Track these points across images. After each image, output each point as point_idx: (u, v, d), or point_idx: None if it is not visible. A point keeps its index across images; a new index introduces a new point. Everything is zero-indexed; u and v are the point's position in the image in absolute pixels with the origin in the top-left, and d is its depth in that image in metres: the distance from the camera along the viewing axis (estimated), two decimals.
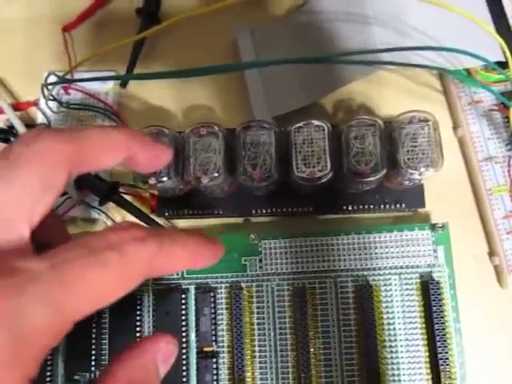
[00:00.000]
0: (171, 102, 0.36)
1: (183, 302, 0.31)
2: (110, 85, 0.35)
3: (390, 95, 0.35)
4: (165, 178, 0.28)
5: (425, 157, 0.27)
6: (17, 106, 0.36)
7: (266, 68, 0.32)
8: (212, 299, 0.30)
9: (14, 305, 0.15)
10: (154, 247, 0.18)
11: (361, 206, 0.31)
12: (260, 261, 0.31)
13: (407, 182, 0.29)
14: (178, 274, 0.31)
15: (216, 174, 0.27)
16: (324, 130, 0.27)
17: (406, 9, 0.31)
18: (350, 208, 0.31)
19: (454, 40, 0.31)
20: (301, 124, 0.27)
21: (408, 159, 0.27)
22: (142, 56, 0.36)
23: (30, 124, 0.35)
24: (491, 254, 0.32)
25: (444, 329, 0.29)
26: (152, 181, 0.28)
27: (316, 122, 0.27)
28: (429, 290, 0.30)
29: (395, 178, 0.28)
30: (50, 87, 0.32)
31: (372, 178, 0.27)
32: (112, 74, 0.36)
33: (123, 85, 0.35)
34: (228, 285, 0.31)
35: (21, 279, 0.15)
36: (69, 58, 0.36)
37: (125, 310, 0.31)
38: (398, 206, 0.31)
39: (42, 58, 0.38)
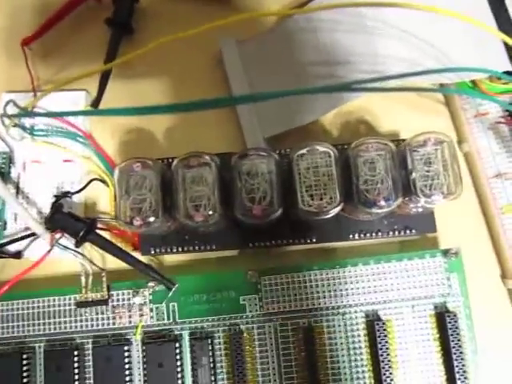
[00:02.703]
0: (152, 126, 0.32)
1: (177, 351, 0.27)
2: (81, 106, 0.31)
3: (389, 108, 0.32)
4: (152, 219, 0.24)
5: (441, 183, 0.24)
6: None
7: (257, 85, 0.29)
8: (209, 347, 0.27)
9: None
10: None
11: (368, 234, 0.28)
12: (260, 299, 0.28)
13: (420, 210, 0.26)
14: (169, 319, 0.28)
15: (211, 212, 0.24)
16: (330, 156, 0.24)
17: (408, 18, 0.28)
18: (356, 237, 0.28)
19: (459, 49, 0.29)
20: (304, 151, 0.24)
21: (424, 186, 0.24)
22: (116, 69, 0.32)
23: None
24: (504, 276, 0.30)
25: (462, 362, 0.27)
26: (137, 221, 0.24)
27: (321, 148, 0.24)
28: (445, 322, 0.27)
29: (408, 204, 0.26)
30: (8, 112, 0.28)
31: (385, 210, 0.24)
32: (83, 94, 0.31)
33: (95, 105, 0.31)
34: (226, 328, 0.28)
35: None
36: (31, 77, 0.31)
37: (114, 361, 0.27)
38: (407, 231, 0.29)
39: None
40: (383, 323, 0.27)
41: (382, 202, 0.24)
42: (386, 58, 0.28)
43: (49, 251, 0.27)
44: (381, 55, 0.28)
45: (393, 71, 0.28)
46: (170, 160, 0.28)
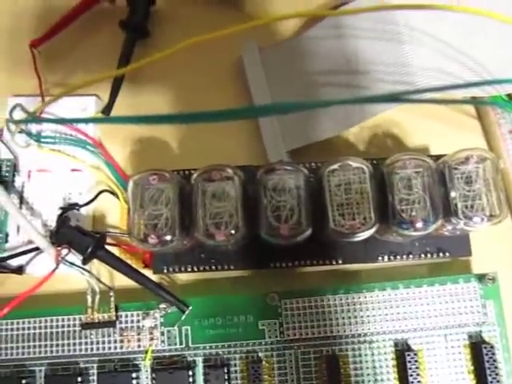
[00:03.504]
0: (166, 135, 0.30)
1: (190, 380, 0.25)
2: (91, 112, 0.30)
3: (418, 121, 0.30)
4: (168, 237, 0.22)
5: (483, 204, 0.22)
6: None
7: (280, 94, 0.27)
8: (225, 375, 0.25)
9: None
10: None
11: (398, 257, 0.26)
12: (280, 325, 0.26)
13: (458, 232, 0.24)
14: (181, 343, 0.26)
15: (233, 231, 0.22)
16: (364, 172, 0.22)
17: (443, 26, 0.26)
18: (385, 259, 0.26)
19: (495, 60, 0.27)
20: (335, 166, 0.22)
21: (465, 207, 0.22)
22: (129, 74, 0.30)
23: None
24: None
25: None
26: (152, 239, 0.22)
27: (354, 164, 0.22)
28: (480, 353, 0.25)
29: (444, 226, 0.24)
30: (15, 117, 0.26)
31: (422, 232, 0.22)
32: (93, 100, 0.30)
33: (106, 112, 0.30)
34: (243, 355, 0.26)
35: None
36: (39, 80, 0.29)
37: None
38: (440, 254, 0.27)
39: (2, 78, 0.32)
40: (414, 353, 0.25)
41: (420, 224, 0.22)
42: (417, 67, 0.27)
43: (55, 269, 0.25)
44: (411, 65, 0.27)
45: (424, 82, 0.26)
46: (187, 172, 0.26)
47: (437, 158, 0.25)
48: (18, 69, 0.32)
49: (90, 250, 0.25)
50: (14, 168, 0.29)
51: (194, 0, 0.32)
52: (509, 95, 0.28)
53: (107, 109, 0.30)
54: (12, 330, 0.27)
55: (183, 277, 0.28)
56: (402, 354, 0.25)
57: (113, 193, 0.29)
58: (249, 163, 0.27)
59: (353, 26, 0.27)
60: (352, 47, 0.27)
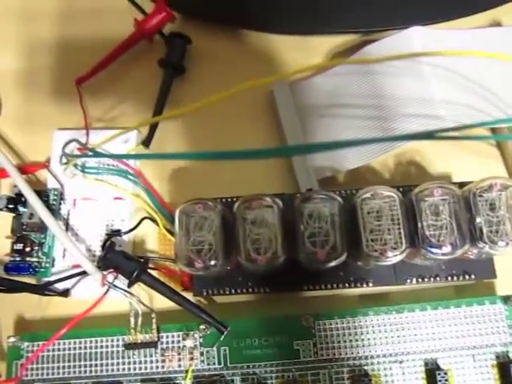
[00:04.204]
0: (201, 165, 0.32)
1: None
2: (132, 144, 0.32)
3: (440, 150, 0.32)
4: (213, 262, 0.24)
5: (507, 229, 0.24)
6: (24, 169, 0.31)
7: (310, 128, 0.29)
8: None
9: None
10: None
11: (426, 279, 0.28)
12: (314, 345, 0.27)
13: (483, 256, 0.26)
14: (220, 363, 0.27)
15: (272, 255, 0.24)
16: (395, 200, 0.24)
17: (464, 62, 0.28)
18: (413, 281, 0.28)
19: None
20: (368, 195, 0.24)
21: (489, 232, 0.24)
22: (167, 108, 0.33)
23: (40, 190, 0.30)
24: None
25: None
26: (199, 264, 0.24)
27: (385, 192, 0.24)
28: (508, 373, 0.26)
29: (470, 250, 0.25)
30: (67, 151, 0.28)
31: (450, 256, 0.24)
32: (134, 133, 0.32)
33: (146, 144, 0.32)
34: (279, 374, 0.27)
35: None
36: (84, 115, 0.32)
37: None
38: (466, 277, 0.28)
39: (47, 113, 0.34)
40: (444, 373, 0.26)
41: (448, 248, 0.23)
42: (442, 102, 0.28)
43: (106, 291, 0.27)
44: (436, 100, 0.28)
45: (448, 116, 0.28)
46: (227, 200, 0.28)
47: (460, 185, 0.27)
48: (63, 104, 0.34)
49: (135, 274, 0.27)
50: (61, 197, 0.31)
51: (227, 36, 0.34)
52: None
53: (147, 141, 0.32)
54: (59, 350, 0.28)
55: (221, 299, 0.30)
56: (433, 373, 0.26)
57: (152, 219, 0.30)
58: (281, 191, 0.28)
59: (380, 63, 0.29)
60: (378, 83, 0.29)
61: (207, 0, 0.34)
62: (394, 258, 0.24)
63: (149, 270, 0.29)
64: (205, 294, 0.28)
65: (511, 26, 0.33)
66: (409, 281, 0.28)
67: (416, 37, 0.29)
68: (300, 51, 0.34)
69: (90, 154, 0.27)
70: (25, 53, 0.36)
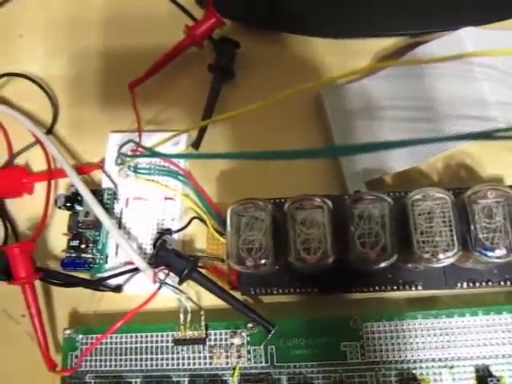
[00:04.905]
0: (248, 166, 0.33)
1: None
2: (182, 146, 0.33)
3: (490, 152, 0.31)
4: (263, 260, 0.24)
5: None
6: (80, 170, 0.33)
7: (358, 130, 0.29)
8: None
9: None
10: None
11: (477, 283, 0.27)
12: (362, 347, 0.27)
13: None
14: (267, 362, 0.28)
15: (322, 255, 0.24)
16: (447, 202, 0.24)
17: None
18: (464, 285, 0.27)
19: None
20: (419, 196, 0.24)
21: None
22: (217, 111, 0.33)
23: (95, 190, 0.32)
24: None
25: None
26: (250, 262, 0.24)
27: (437, 194, 0.24)
28: None
29: None
30: (122, 152, 0.29)
31: (504, 260, 0.23)
32: (184, 135, 0.33)
33: (195, 146, 0.33)
34: (326, 375, 0.27)
35: None
36: (137, 118, 0.33)
37: None
38: None
39: (101, 117, 0.36)
40: (497, 379, 0.26)
41: (503, 251, 0.23)
42: (495, 104, 0.28)
43: (159, 288, 0.28)
44: (489, 101, 0.28)
45: (502, 117, 0.28)
46: (277, 201, 0.28)
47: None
48: (114, 108, 0.36)
49: (186, 271, 0.27)
50: (114, 196, 0.32)
51: (274, 41, 0.35)
52: None
53: (196, 143, 0.33)
54: (111, 343, 0.29)
55: (268, 299, 0.30)
56: (484, 379, 0.26)
57: (201, 219, 0.31)
58: (328, 193, 0.28)
59: (426, 64, 0.29)
60: (428, 85, 0.29)
61: (253, 5, 0.35)
62: (445, 260, 0.24)
63: (200, 271, 0.29)
64: (252, 292, 0.28)
65: None
66: (459, 285, 0.27)
67: (467, 37, 0.29)
68: (347, 55, 0.34)
69: (147, 153, 0.28)
70: (76, 60, 0.37)
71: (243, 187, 0.32)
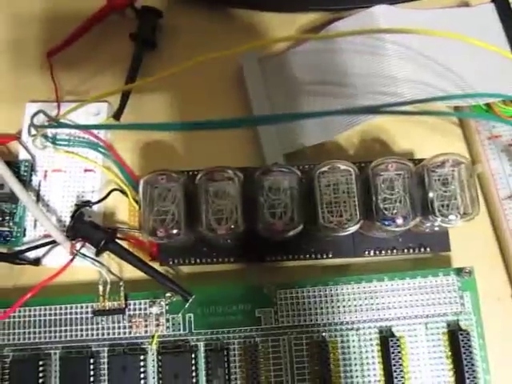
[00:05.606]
0: (170, 139, 0.33)
1: (193, 362, 0.28)
2: (103, 117, 0.32)
3: (404, 127, 0.33)
4: (175, 231, 0.25)
5: (458, 203, 0.25)
6: None
7: (277, 102, 0.30)
8: (225, 358, 0.28)
9: None
10: None
11: (383, 251, 0.29)
12: (275, 313, 0.28)
13: (436, 228, 0.27)
14: (185, 329, 0.28)
15: (233, 226, 0.24)
16: (351, 174, 0.25)
17: (426, 42, 0.29)
18: (371, 253, 0.29)
19: (474, 73, 0.30)
20: (325, 168, 0.25)
21: (441, 206, 0.25)
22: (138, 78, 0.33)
23: (11, 161, 0.31)
24: None
25: (474, 381, 0.27)
26: (161, 233, 0.25)
27: (342, 166, 0.25)
28: (457, 340, 0.28)
29: (424, 223, 0.26)
30: (36, 122, 0.28)
31: (402, 228, 0.25)
32: (105, 105, 0.32)
33: (117, 117, 0.32)
34: (241, 340, 0.28)
35: None
36: (55, 88, 0.32)
37: (129, 370, 0.27)
38: (421, 249, 0.29)
39: (19, 85, 0.34)
40: (397, 339, 0.28)
41: (400, 221, 0.25)
42: (404, 81, 0.29)
43: (71, 259, 0.28)
44: (399, 78, 0.29)
45: (410, 94, 0.29)
46: (192, 173, 0.29)
47: (419, 161, 0.28)
48: (34, 76, 0.34)
49: (102, 243, 0.27)
50: (32, 168, 0.31)
51: (200, 12, 0.35)
52: (487, 105, 0.31)
53: (117, 114, 0.32)
54: (30, 316, 0.29)
55: (187, 269, 0.31)
56: (386, 340, 0.28)
57: (122, 191, 0.31)
58: (247, 165, 0.29)
59: (343, 40, 0.30)
60: (342, 60, 0.29)
61: None
62: (348, 229, 0.25)
63: (118, 241, 0.29)
64: (170, 262, 0.29)
65: (478, 5, 0.33)
66: (367, 253, 0.29)
67: (381, 15, 0.30)
68: (270, 28, 0.34)
69: (55, 124, 0.28)
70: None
71: (166, 159, 0.33)
